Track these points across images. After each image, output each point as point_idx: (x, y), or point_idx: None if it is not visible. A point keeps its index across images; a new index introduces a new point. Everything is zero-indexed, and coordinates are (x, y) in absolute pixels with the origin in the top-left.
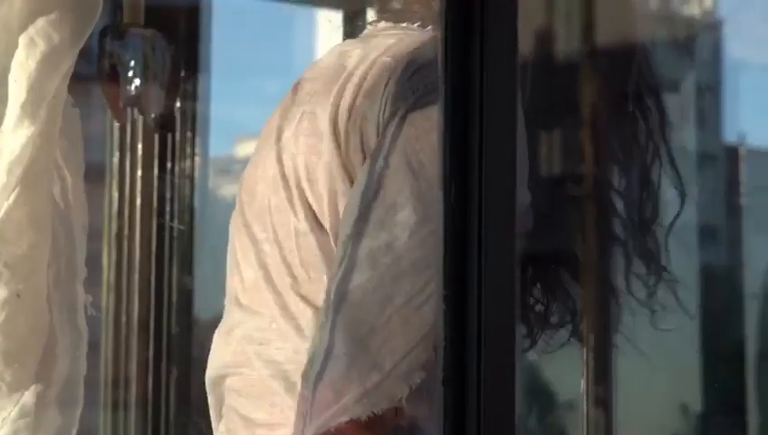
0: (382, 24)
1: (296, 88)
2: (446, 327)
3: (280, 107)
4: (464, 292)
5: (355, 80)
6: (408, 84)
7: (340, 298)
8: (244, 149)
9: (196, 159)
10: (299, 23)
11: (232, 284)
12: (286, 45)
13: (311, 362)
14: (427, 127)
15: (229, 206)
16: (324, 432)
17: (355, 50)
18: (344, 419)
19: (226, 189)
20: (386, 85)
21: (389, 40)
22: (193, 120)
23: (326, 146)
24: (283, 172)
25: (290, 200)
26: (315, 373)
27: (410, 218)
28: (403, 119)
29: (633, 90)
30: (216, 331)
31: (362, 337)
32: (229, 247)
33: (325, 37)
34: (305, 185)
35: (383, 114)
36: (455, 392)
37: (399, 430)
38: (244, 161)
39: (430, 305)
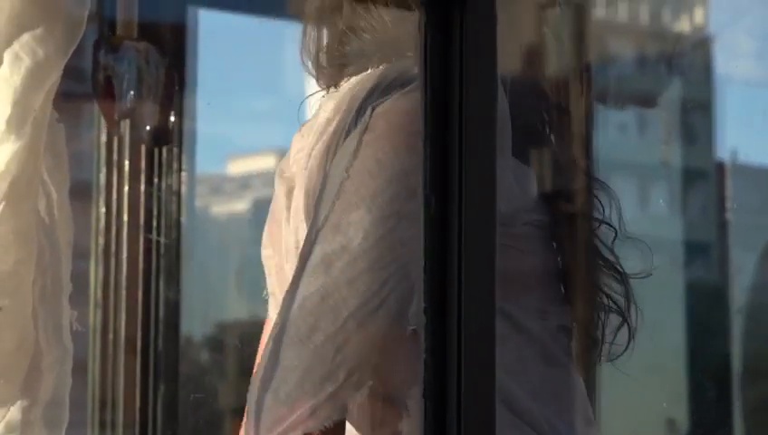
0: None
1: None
2: (427, 338)
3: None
4: (444, 304)
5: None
6: (367, 101)
7: (290, 308)
8: (237, 167)
9: (183, 174)
10: (287, 41)
11: None
12: (278, 64)
13: (259, 375)
14: (384, 127)
15: (221, 223)
16: None
17: (329, 102)
18: (297, 433)
19: (218, 207)
20: (348, 112)
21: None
22: (180, 136)
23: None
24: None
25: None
26: (266, 388)
27: (365, 218)
28: (364, 129)
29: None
30: None
31: (316, 347)
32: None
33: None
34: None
35: (343, 137)
36: (435, 405)
37: None
38: (236, 180)
39: (386, 308)
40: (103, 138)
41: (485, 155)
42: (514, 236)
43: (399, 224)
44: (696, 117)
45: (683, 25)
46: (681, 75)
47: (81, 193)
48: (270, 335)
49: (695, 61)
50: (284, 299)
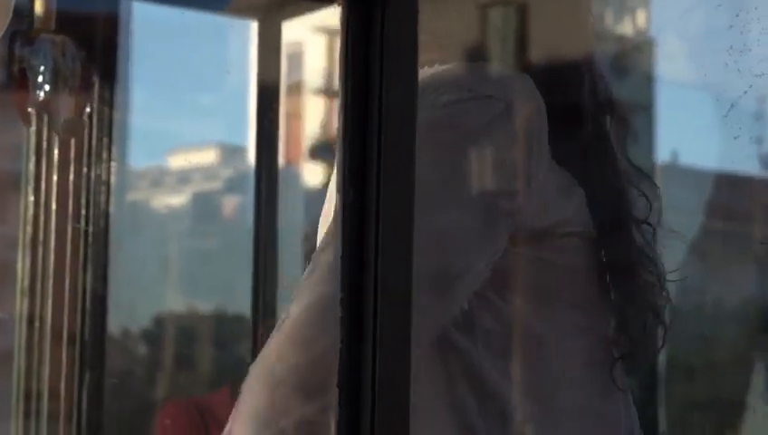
0: None
1: None
2: (343, 330)
3: None
4: (360, 296)
5: None
6: None
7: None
8: (177, 161)
9: (113, 164)
10: (234, 35)
11: None
12: (222, 60)
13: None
14: None
15: (162, 217)
16: None
17: None
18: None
19: (159, 201)
20: None
21: None
22: (110, 127)
23: None
24: None
25: None
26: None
27: (329, 257)
28: None
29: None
30: None
31: (315, 356)
32: None
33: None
34: None
35: None
36: (350, 395)
37: None
38: (177, 173)
39: None
40: (33, 127)
41: (404, 151)
42: (550, 249)
43: None
44: (637, 118)
45: (625, 28)
46: (622, 77)
47: (9, 183)
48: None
49: (636, 63)
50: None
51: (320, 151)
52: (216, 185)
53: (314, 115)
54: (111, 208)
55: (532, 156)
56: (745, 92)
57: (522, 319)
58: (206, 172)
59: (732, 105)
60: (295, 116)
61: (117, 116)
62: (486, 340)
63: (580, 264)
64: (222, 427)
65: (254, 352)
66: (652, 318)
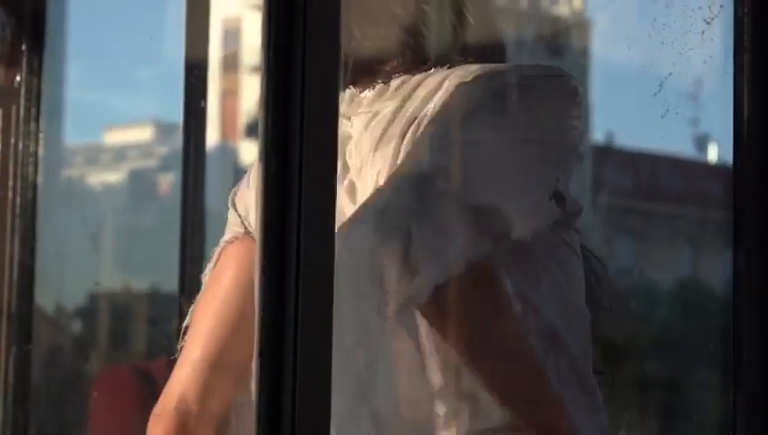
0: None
1: None
2: (265, 292)
3: None
4: (282, 263)
5: None
6: None
7: None
8: (113, 137)
9: (42, 135)
10: (169, 11)
11: None
12: (158, 35)
13: None
14: None
15: (97, 194)
16: None
17: None
18: None
19: (94, 177)
20: None
21: None
22: (38, 98)
23: None
24: None
25: None
26: None
27: None
28: None
29: None
30: None
31: None
32: None
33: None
34: None
35: None
36: (273, 362)
37: None
38: (112, 150)
39: None
40: None
41: (327, 112)
42: (568, 235)
43: None
44: None
45: (561, 9)
46: (558, 58)
47: None
48: None
49: (572, 44)
50: None
51: (257, 129)
52: (151, 162)
53: (251, 92)
54: (40, 180)
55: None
56: (671, 74)
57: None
58: (142, 150)
59: (661, 83)
60: (232, 93)
61: (49, 89)
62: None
63: (581, 260)
64: (159, 392)
65: (178, 330)
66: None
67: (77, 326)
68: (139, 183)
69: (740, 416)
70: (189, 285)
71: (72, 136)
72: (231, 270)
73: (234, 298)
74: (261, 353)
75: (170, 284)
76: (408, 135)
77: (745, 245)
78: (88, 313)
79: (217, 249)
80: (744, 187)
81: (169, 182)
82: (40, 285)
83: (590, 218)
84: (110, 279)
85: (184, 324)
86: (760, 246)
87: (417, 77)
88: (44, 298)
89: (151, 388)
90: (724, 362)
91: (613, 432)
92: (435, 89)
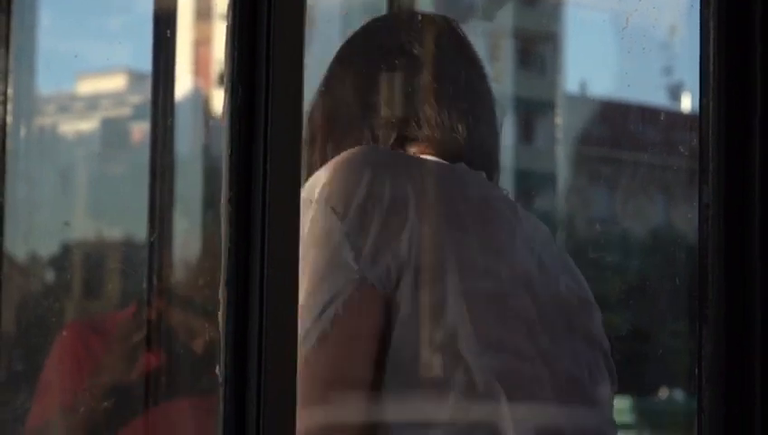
0: None
1: None
2: (231, 229)
3: None
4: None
5: None
6: None
7: None
8: (85, 86)
9: (12, 78)
10: None
11: None
12: None
13: None
14: None
15: (68, 143)
16: None
17: None
18: None
19: (67, 126)
20: None
21: None
22: (7, 40)
23: None
24: None
25: None
26: None
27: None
28: None
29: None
30: None
31: None
32: None
33: None
34: None
35: None
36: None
37: None
38: (85, 99)
39: None
40: None
41: (293, 46)
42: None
43: None
44: (546, 48)
45: None
46: (531, 6)
47: None
48: None
49: None
50: None
51: None
52: (123, 111)
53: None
54: (9, 120)
55: None
56: (636, 10)
57: None
58: (114, 98)
59: (627, 18)
60: (205, 42)
61: (21, 38)
62: None
63: None
64: (119, 344)
65: (150, 279)
66: None
67: (47, 272)
68: (112, 132)
69: (705, 345)
70: (159, 232)
71: (45, 85)
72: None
73: None
74: (228, 283)
75: (141, 231)
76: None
77: (710, 179)
78: (58, 259)
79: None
80: (708, 121)
81: (142, 131)
82: (10, 229)
83: (561, 166)
84: (82, 227)
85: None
86: (725, 181)
87: None
88: (17, 247)
89: (106, 340)
90: (693, 305)
91: None
92: None
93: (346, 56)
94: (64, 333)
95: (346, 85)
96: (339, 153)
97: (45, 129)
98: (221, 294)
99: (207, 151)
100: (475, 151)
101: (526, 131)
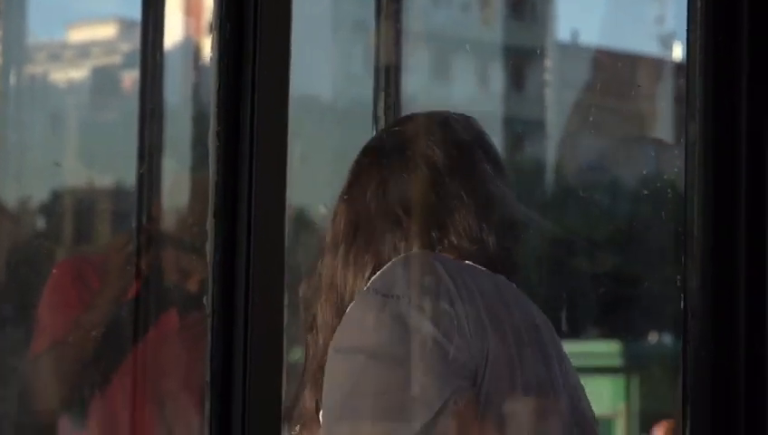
0: None
1: None
2: (218, 162)
3: None
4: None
5: None
6: None
7: None
8: (77, 34)
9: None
10: None
11: None
12: None
13: None
14: None
15: (59, 92)
16: None
17: None
18: None
19: (57, 75)
20: None
21: None
22: None
23: None
24: None
25: None
26: None
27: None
28: None
29: None
30: None
31: None
32: None
33: None
34: None
35: None
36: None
37: None
38: (76, 47)
39: None
40: None
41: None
42: None
43: None
44: None
45: None
46: None
47: None
48: None
49: None
50: None
51: None
52: (114, 59)
53: None
54: None
55: None
56: None
57: None
58: (105, 47)
59: None
60: None
61: None
62: None
63: None
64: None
65: (139, 226)
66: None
67: (38, 218)
68: (103, 80)
69: (689, 282)
70: (148, 181)
71: (36, 33)
72: None
73: None
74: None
75: (131, 178)
76: None
77: (696, 115)
78: (48, 206)
79: None
80: (695, 62)
81: (133, 79)
82: (3, 181)
83: (552, 114)
84: (73, 173)
85: None
86: (712, 117)
87: None
88: (9, 195)
89: (100, 275)
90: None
91: (577, 323)
92: None
93: (368, 162)
94: (59, 266)
95: (370, 193)
96: (365, 259)
97: (36, 77)
98: (209, 225)
99: (197, 98)
100: (501, 258)
101: (517, 79)
